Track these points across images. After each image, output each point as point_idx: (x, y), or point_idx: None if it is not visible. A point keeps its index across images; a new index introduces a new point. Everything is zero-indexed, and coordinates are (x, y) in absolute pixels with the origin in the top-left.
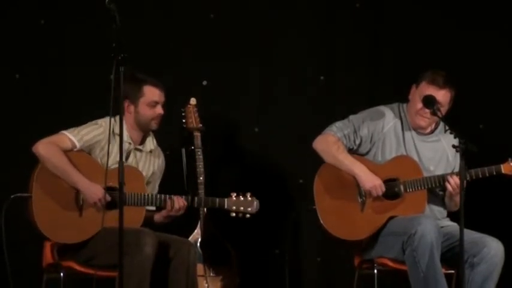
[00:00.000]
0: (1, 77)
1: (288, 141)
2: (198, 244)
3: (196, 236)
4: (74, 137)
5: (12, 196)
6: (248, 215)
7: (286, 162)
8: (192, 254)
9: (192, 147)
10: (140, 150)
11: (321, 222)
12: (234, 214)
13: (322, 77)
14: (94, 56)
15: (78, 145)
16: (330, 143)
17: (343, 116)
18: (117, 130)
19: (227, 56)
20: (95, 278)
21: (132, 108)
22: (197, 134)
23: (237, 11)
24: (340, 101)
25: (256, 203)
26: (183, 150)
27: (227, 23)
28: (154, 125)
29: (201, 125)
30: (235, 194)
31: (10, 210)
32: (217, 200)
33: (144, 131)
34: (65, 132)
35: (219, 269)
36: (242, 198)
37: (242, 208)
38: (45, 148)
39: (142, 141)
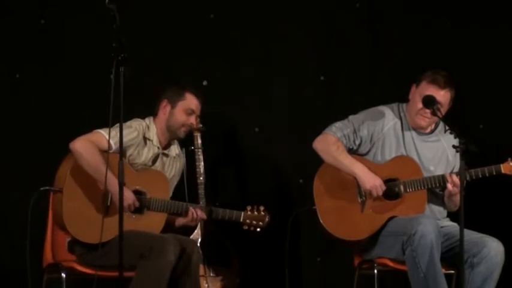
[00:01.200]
0: (1, 76)
1: (288, 141)
2: (198, 244)
3: (196, 236)
4: (111, 139)
5: (41, 188)
6: (258, 229)
7: (286, 162)
8: (196, 253)
9: (192, 147)
10: (167, 155)
11: (321, 222)
12: (246, 227)
13: (322, 77)
14: (94, 56)
15: (114, 147)
16: (330, 143)
17: (343, 116)
18: (147, 135)
19: (227, 56)
20: (96, 279)
21: (168, 108)
22: (197, 134)
23: (237, 11)
24: (340, 101)
25: (268, 217)
26: (183, 150)
27: (227, 23)
28: (182, 133)
29: (201, 125)
30: (250, 208)
31: (12, 206)
32: (235, 213)
33: (171, 137)
34: (101, 132)
35: (219, 269)
36: (256, 213)
37: (255, 222)
38: (83, 146)
39: (167, 146)
